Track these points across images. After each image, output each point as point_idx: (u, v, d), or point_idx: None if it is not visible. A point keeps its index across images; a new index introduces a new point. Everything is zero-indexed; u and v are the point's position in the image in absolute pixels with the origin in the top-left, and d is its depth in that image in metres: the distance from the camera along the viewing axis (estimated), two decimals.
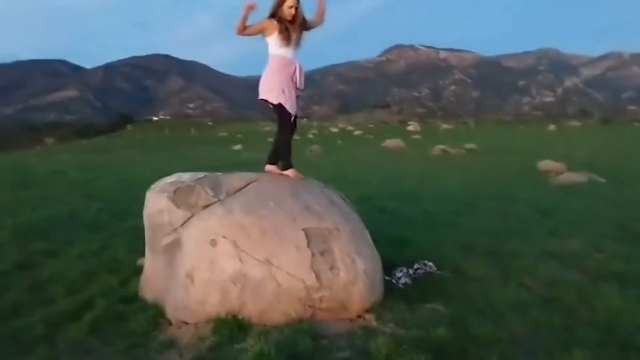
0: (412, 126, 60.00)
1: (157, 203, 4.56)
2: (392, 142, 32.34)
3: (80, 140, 71.38)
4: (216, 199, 4.38)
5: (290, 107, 4.74)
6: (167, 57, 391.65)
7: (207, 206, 4.36)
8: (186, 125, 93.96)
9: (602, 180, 12.28)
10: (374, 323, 3.92)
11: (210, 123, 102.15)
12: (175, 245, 4.40)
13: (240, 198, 4.32)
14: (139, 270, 5.38)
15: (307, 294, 3.85)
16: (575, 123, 69.63)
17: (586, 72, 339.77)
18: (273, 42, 4.72)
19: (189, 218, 4.36)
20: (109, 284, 5.08)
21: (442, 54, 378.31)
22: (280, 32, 4.65)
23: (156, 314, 4.37)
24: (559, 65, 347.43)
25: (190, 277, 4.12)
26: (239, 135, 53.29)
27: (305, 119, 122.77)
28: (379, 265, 4.29)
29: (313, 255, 3.92)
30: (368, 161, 20.88)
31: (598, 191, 10.74)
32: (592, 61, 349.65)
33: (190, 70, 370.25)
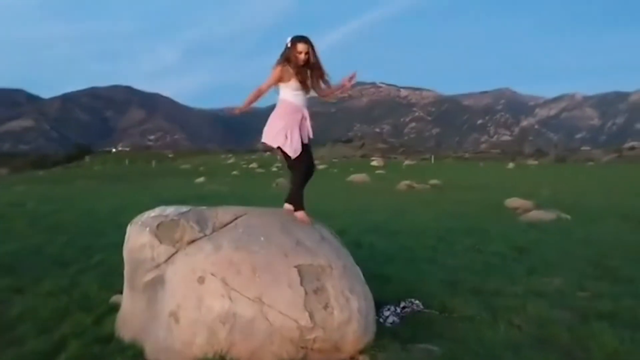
0: (376, 161, 60.46)
1: (138, 237, 4.35)
2: (357, 177, 32.48)
3: (36, 171, 69.45)
4: (202, 234, 4.20)
5: (292, 150, 4.55)
6: (128, 88, 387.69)
7: (192, 241, 4.17)
8: (146, 157, 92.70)
9: (569, 217, 12.46)
10: None
11: (170, 155, 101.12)
12: (158, 282, 4.19)
13: (229, 233, 4.16)
14: (112, 308, 5.12)
15: (300, 334, 3.69)
16: (533, 162, 71.37)
17: (541, 112, 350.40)
18: (288, 88, 4.59)
19: (174, 254, 4.16)
20: (82, 323, 4.77)
21: (403, 92, 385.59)
22: (297, 78, 4.53)
23: (135, 355, 4.11)
24: (515, 105, 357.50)
25: (174, 316, 3.91)
26: (201, 168, 52.73)
27: (267, 153, 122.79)
28: (371, 303, 4.16)
29: (306, 293, 3.76)
30: (336, 195, 20.77)
31: (567, 229, 10.86)
32: (547, 102, 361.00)
33: (152, 102, 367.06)
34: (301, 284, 3.79)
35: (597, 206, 15.83)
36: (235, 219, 4.37)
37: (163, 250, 4.20)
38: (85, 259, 7.43)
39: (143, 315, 4.31)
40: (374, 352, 3.90)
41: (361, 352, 3.89)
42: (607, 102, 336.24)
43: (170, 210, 4.50)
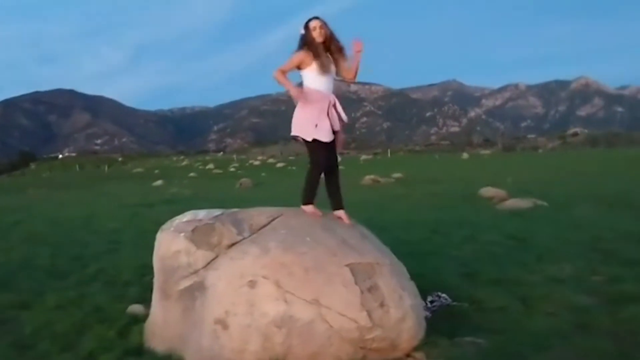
0: None
1: (172, 244, 4.17)
2: None
3: None
4: (241, 237, 4.06)
5: (325, 135, 4.45)
6: (71, 92, 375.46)
7: (232, 245, 4.02)
8: (95, 161, 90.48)
9: (545, 204, 12.68)
10: None
11: (120, 159, 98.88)
12: (197, 289, 4.02)
13: (272, 235, 4.02)
14: (134, 318, 4.91)
15: (360, 334, 3.59)
16: (485, 151, 72.87)
17: (487, 103, 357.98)
18: (310, 74, 4.49)
19: (214, 259, 4.00)
20: (106, 336, 4.55)
21: (353, 87, 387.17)
22: (316, 58, 4.42)
23: None
24: (462, 96, 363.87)
25: (221, 323, 3.75)
26: (156, 171, 51.60)
27: (220, 153, 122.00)
28: (419, 299, 4.10)
29: (362, 292, 3.67)
30: None
31: (549, 215, 11.04)
32: (493, 92, 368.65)
33: (97, 105, 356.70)
34: (355, 283, 3.69)
35: (565, 192, 16.20)
36: (272, 220, 4.24)
37: (201, 256, 4.04)
38: (80, 269, 7.13)
39: (179, 325, 4.14)
40: (428, 348, 3.85)
41: (416, 349, 3.83)
42: (549, 91, 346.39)
43: (202, 214, 4.34)
